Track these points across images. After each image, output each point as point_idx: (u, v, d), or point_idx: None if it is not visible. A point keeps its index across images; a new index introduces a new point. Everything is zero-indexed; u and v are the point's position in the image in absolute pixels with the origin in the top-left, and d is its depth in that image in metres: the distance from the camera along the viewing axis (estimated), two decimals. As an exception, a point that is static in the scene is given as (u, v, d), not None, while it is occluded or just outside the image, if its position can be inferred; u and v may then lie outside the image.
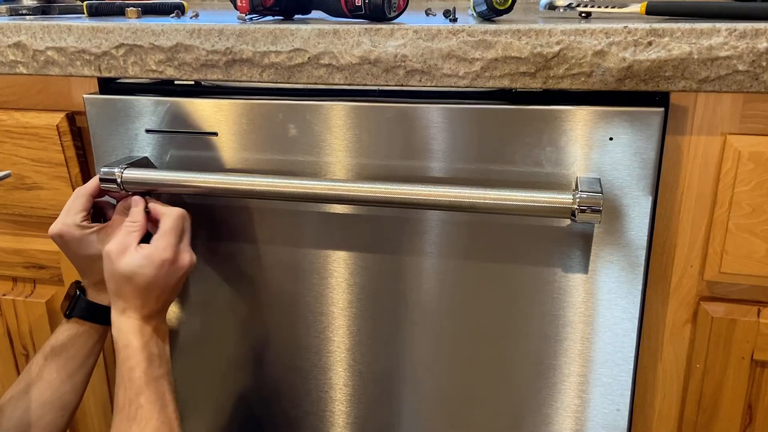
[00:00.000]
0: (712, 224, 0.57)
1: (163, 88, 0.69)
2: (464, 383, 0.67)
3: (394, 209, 0.62)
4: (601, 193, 0.53)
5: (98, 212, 0.67)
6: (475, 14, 0.64)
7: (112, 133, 0.67)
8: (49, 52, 0.65)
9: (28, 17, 0.76)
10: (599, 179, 0.56)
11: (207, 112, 0.64)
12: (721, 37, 0.50)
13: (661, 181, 0.58)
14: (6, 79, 0.70)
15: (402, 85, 0.58)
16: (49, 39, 0.64)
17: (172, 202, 0.65)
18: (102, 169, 0.62)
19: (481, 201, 0.55)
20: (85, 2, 0.79)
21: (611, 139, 0.56)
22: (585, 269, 0.60)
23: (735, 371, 0.61)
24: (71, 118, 0.69)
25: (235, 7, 0.68)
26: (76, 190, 0.64)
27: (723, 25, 0.50)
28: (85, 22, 0.64)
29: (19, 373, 0.83)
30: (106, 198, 0.66)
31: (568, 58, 0.53)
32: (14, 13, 0.77)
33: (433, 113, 0.59)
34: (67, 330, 0.65)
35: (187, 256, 0.61)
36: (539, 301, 0.62)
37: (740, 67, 0.51)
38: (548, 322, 0.62)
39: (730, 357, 0.60)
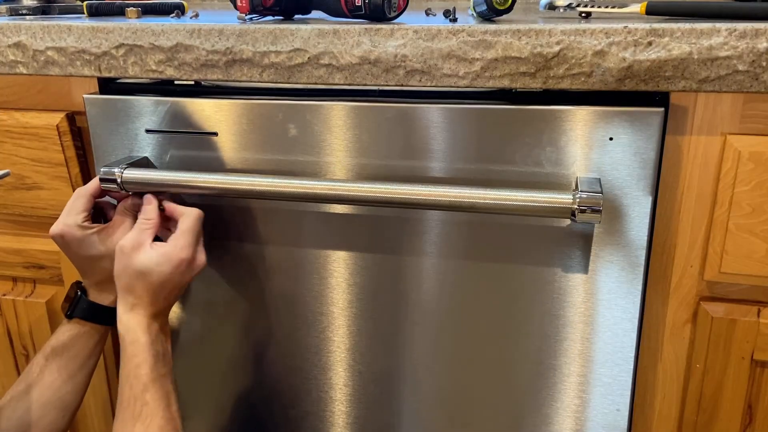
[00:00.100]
0: (712, 224, 0.57)
1: (163, 88, 0.69)
2: (464, 383, 0.67)
3: (394, 209, 0.62)
4: (601, 193, 0.53)
5: (99, 212, 0.67)
6: (475, 14, 0.64)
7: (112, 133, 0.67)
8: (49, 52, 0.65)
9: (28, 17, 0.76)
10: (599, 179, 0.56)
11: (207, 112, 0.64)
12: (721, 37, 0.50)
13: (661, 181, 0.58)
14: (6, 79, 0.70)
15: (402, 85, 0.58)
16: (49, 39, 0.64)
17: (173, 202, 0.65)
18: (102, 169, 0.62)
19: (481, 201, 0.55)
20: (85, 2, 0.79)
21: (611, 139, 0.56)
22: (585, 269, 0.60)
23: (735, 371, 0.61)
24: (71, 118, 0.69)
25: (235, 7, 0.68)
26: (76, 191, 0.64)
27: (723, 25, 0.50)
28: (85, 22, 0.64)
29: (19, 373, 0.83)
30: (107, 198, 0.66)
31: (568, 58, 0.53)
32: (14, 13, 0.77)
33: (433, 113, 0.59)
34: (68, 330, 0.65)
35: (202, 257, 0.62)
36: (539, 301, 0.62)
37: (740, 67, 0.51)
38: (548, 322, 0.62)
39: (730, 357, 0.60)
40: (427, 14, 0.72)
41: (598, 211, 0.52)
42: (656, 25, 0.51)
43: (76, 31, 0.63)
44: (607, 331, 0.61)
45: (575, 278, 0.60)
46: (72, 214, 0.62)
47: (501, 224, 0.60)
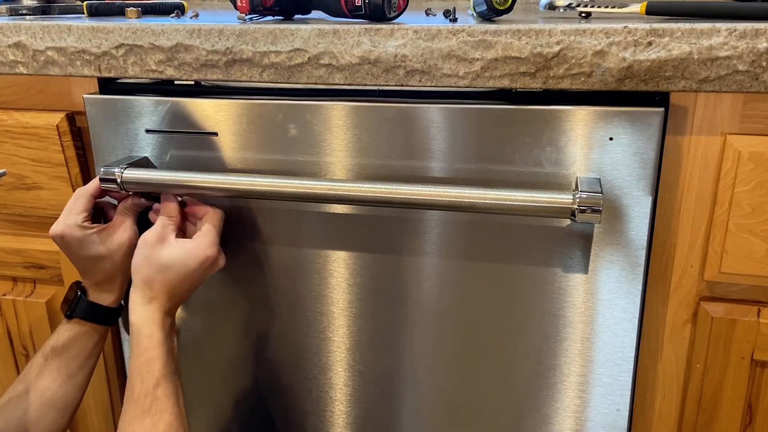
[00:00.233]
0: (712, 224, 0.57)
1: (163, 88, 0.69)
2: (464, 383, 0.67)
3: (394, 209, 0.62)
4: (601, 193, 0.53)
5: (99, 213, 0.67)
6: (475, 14, 0.64)
7: (112, 133, 0.67)
8: (49, 52, 0.65)
9: (28, 17, 0.76)
10: (599, 179, 0.56)
11: (207, 112, 0.64)
12: (721, 37, 0.50)
13: (661, 181, 0.58)
14: (6, 79, 0.70)
15: (402, 85, 0.58)
16: (49, 39, 0.64)
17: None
18: (102, 169, 0.62)
19: (481, 201, 0.55)
20: (85, 2, 0.79)
21: (611, 139, 0.56)
22: (585, 269, 0.60)
23: (735, 371, 0.61)
24: (71, 118, 0.69)
25: (235, 7, 0.68)
26: (76, 191, 0.64)
27: (723, 25, 0.50)
28: (85, 22, 0.64)
29: (19, 373, 0.83)
30: (107, 198, 0.66)
31: (568, 58, 0.53)
32: (14, 13, 0.77)
33: (433, 113, 0.59)
34: (67, 330, 0.65)
35: (223, 258, 0.63)
36: (539, 301, 0.62)
37: (740, 67, 0.51)
38: (548, 322, 0.62)
39: (730, 357, 0.60)
40: (427, 14, 0.72)
41: (598, 211, 0.52)
42: (656, 25, 0.51)
43: (76, 31, 0.63)
44: (607, 331, 0.61)
45: (575, 278, 0.60)
46: (72, 214, 0.62)
47: (501, 224, 0.60)
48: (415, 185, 0.56)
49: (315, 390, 0.72)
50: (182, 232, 0.64)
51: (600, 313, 0.61)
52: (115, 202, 0.66)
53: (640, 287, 0.59)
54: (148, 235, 0.61)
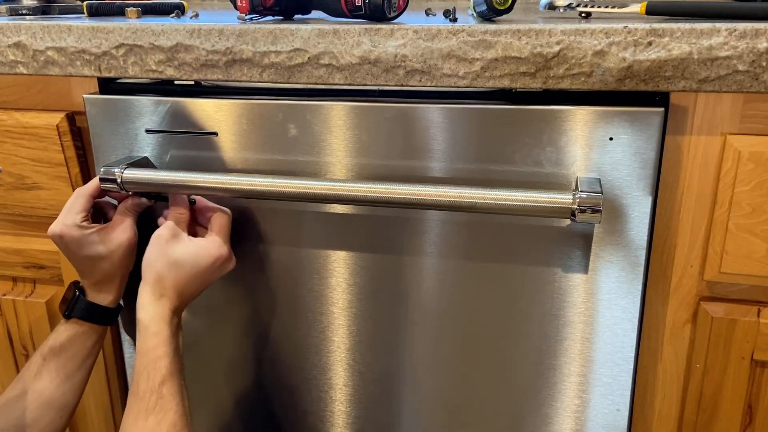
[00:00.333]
0: (712, 224, 0.57)
1: (163, 88, 0.69)
2: (464, 383, 0.67)
3: (394, 209, 0.62)
4: (601, 193, 0.53)
5: (99, 212, 0.67)
6: (475, 14, 0.64)
7: (112, 133, 0.67)
8: (49, 52, 0.65)
9: (28, 17, 0.76)
10: (599, 179, 0.56)
11: (207, 112, 0.64)
12: (721, 37, 0.50)
13: (661, 181, 0.58)
14: (6, 79, 0.70)
15: (402, 85, 0.58)
16: (49, 39, 0.64)
17: (172, 202, 0.64)
18: (102, 169, 0.62)
19: (481, 201, 0.55)
20: (85, 2, 0.79)
21: (611, 139, 0.56)
22: (585, 269, 0.60)
23: (735, 371, 0.61)
24: (71, 118, 0.69)
25: (235, 7, 0.68)
26: (76, 191, 0.64)
27: (723, 25, 0.50)
28: (85, 22, 0.64)
29: (18, 373, 0.83)
30: (107, 198, 0.66)
31: (568, 58, 0.53)
32: (14, 13, 0.77)
33: (433, 113, 0.59)
34: (66, 330, 0.65)
35: (234, 259, 0.63)
36: (539, 301, 0.62)
37: (740, 67, 0.51)
38: (548, 322, 0.62)
39: (730, 357, 0.60)
40: (427, 14, 0.72)
41: (598, 211, 0.52)
42: (656, 25, 0.51)
43: (76, 31, 0.63)
44: (607, 331, 0.61)
45: (575, 278, 0.60)
46: (71, 214, 0.62)
47: (501, 224, 0.60)
48: (415, 185, 0.56)
49: (315, 390, 0.72)
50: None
51: (600, 313, 0.61)
52: (115, 202, 0.66)
53: (640, 287, 0.59)
54: (162, 231, 0.60)
